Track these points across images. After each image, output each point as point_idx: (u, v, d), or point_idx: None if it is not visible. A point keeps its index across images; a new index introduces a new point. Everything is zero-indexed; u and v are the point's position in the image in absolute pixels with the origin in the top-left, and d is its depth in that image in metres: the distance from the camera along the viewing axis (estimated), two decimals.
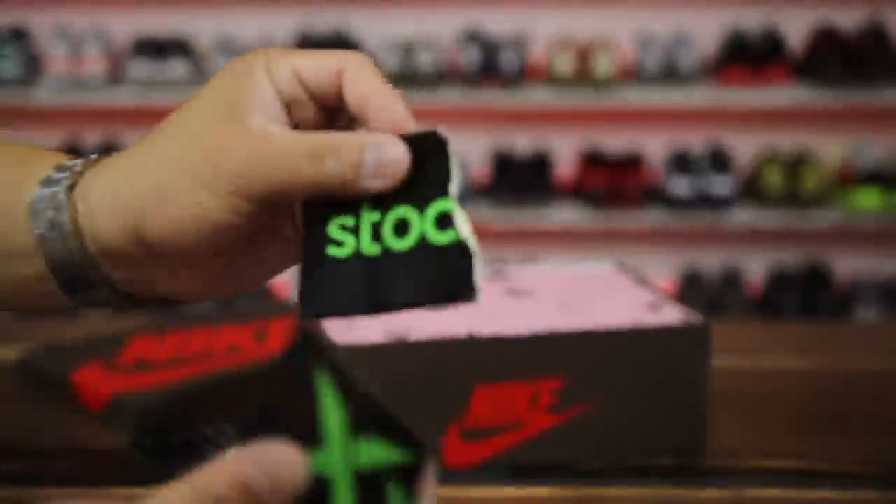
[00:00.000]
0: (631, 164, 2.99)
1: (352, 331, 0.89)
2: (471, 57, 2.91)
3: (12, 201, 0.50)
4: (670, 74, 2.92)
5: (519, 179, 2.98)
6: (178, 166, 0.46)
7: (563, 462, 0.91)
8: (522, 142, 3.09)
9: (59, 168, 0.50)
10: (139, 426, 0.99)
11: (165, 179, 0.46)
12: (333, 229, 0.47)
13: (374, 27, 3.12)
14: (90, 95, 3.00)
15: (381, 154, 0.45)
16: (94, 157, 0.51)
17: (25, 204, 0.49)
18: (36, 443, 0.98)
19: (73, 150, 3.05)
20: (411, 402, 0.84)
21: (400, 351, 0.84)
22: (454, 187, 0.45)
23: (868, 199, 2.85)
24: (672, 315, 0.94)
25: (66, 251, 0.49)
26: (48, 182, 0.49)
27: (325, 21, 3.07)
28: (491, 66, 2.93)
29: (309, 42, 2.96)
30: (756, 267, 3.11)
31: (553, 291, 1.02)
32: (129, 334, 1.18)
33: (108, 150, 3.06)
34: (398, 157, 0.45)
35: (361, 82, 0.46)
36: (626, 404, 0.90)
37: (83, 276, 0.49)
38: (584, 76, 2.93)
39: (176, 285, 0.50)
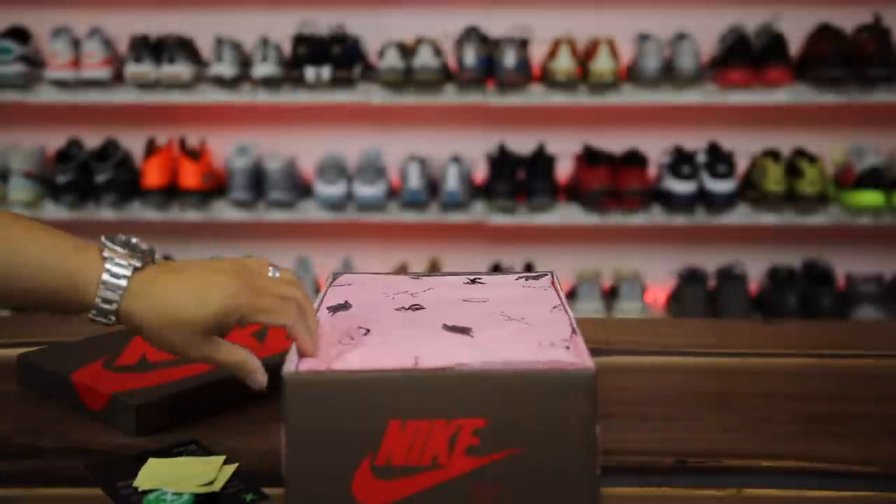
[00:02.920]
0: (630, 163, 2.98)
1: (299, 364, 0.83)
2: (471, 57, 2.91)
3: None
4: (670, 74, 2.91)
5: (518, 179, 2.98)
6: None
7: None
8: (522, 142, 3.09)
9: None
10: (139, 426, 0.99)
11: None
12: None
13: (374, 27, 3.12)
14: (90, 95, 3.00)
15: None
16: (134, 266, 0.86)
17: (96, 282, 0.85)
18: (36, 443, 0.98)
19: (73, 148, 3.04)
20: (325, 434, 0.80)
21: (319, 383, 0.80)
22: None
23: (867, 199, 2.85)
24: (564, 355, 0.85)
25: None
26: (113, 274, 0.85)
27: (324, 21, 3.07)
28: (491, 66, 2.93)
29: (309, 42, 2.95)
30: (755, 266, 3.11)
31: (465, 315, 0.95)
32: (130, 335, 1.19)
33: (107, 148, 3.06)
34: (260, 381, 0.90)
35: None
36: (550, 452, 0.82)
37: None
38: (583, 76, 2.93)
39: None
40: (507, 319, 0.93)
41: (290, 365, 0.82)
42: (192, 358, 0.87)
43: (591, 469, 0.82)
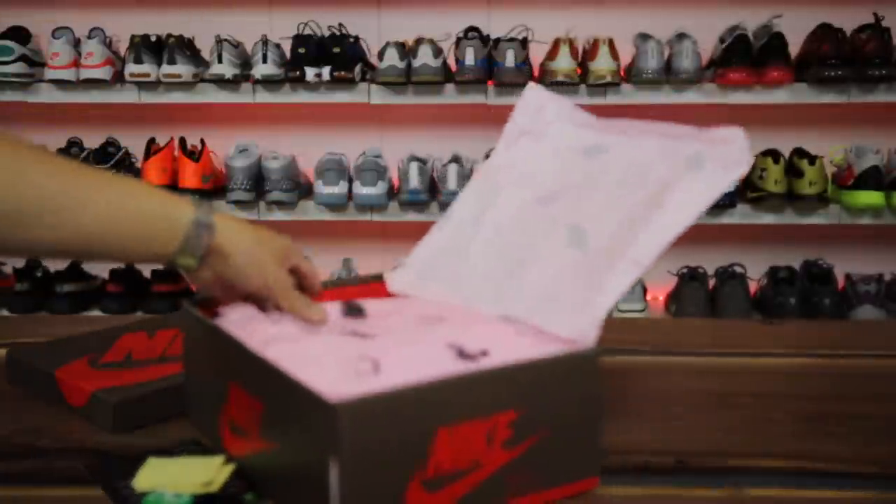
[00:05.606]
0: None
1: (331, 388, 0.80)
2: (471, 57, 2.91)
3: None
4: (670, 74, 2.91)
5: None
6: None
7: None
8: None
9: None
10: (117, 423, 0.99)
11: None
12: None
13: (374, 27, 3.11)
14: (90, 95, 3.00)
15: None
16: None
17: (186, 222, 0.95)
18: (34, 443, 0.98)
19: (74, 148, 3.04)
20: (377, 458, 0.78)
21: (370, 403, 0.78)
22: None
23: (867, 199, 2.85)
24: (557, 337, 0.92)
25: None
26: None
27: (324, 21, 3.07)
28: (491, 66, 2.93)
29: (309, 42, 2.95)
30: (755, 266, 3.11)
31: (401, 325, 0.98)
32: (119, 333, 1.19)
33: (107, 148, 3.05)
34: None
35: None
36: (567, 429, 0.87)
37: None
38: (583, 76, 2.93)
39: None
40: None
41: (328, 390, 0.78)
42: (274, 276, 1.00)
43: (598, 435, 0.89)
